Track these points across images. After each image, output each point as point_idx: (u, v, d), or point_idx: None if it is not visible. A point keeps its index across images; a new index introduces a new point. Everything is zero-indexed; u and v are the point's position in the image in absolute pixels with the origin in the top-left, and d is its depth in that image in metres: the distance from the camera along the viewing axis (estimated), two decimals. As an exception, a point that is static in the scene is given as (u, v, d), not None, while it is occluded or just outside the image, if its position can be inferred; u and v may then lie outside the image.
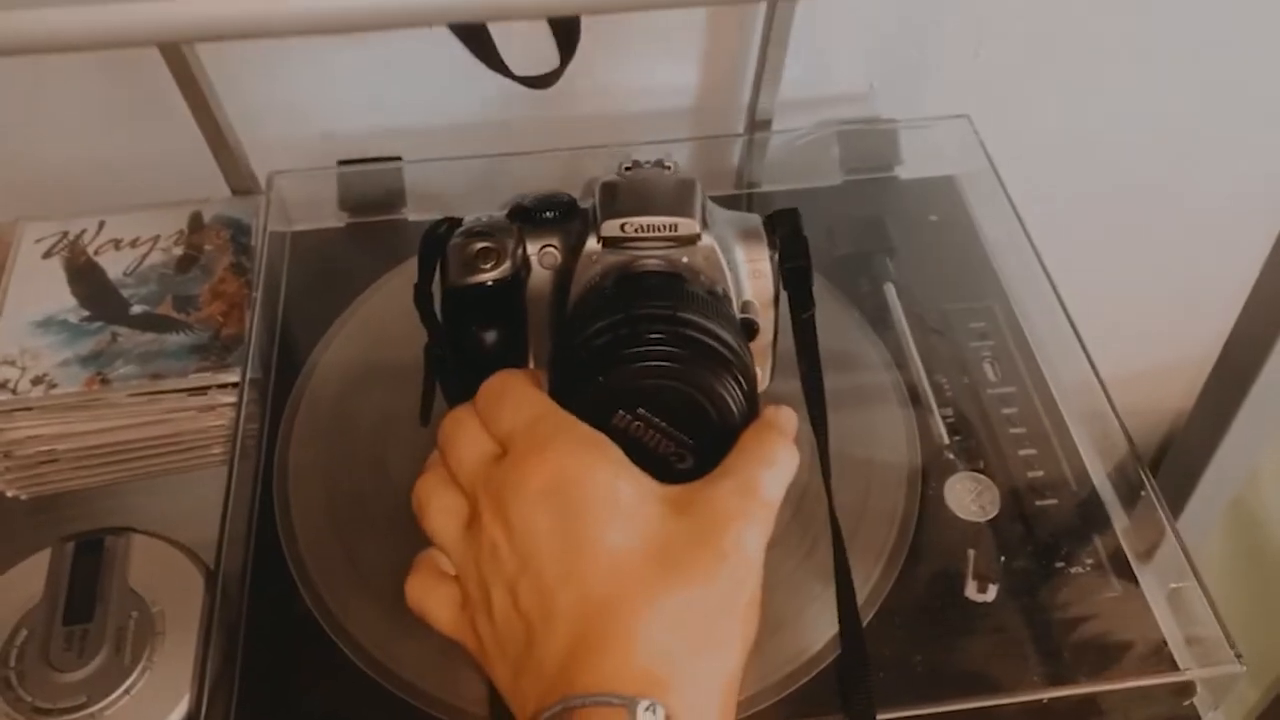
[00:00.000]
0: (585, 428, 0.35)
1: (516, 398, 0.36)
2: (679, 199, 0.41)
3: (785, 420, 0.37)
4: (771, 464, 0.35)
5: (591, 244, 0.41)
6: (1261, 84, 0.74)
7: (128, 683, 0.47)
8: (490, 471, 0.35)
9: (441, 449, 0.37)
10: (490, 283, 0.43)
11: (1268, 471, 0.92)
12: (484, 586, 0.34)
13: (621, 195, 0.42)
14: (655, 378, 0.36)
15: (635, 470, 0.35)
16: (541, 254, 0.44)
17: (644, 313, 0.37)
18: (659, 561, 0.33)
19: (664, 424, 0.36)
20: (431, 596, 0.36)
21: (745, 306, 0.43)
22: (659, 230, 0.40)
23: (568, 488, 0.33)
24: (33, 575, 0.51)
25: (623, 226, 0.41)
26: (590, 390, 0.36)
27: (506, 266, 0.43)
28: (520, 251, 0.44)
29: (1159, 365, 0.95)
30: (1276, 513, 0.92)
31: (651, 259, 0.41)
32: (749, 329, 0.42)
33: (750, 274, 0.43)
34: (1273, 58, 0.72)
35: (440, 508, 0.36)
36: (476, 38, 0.51)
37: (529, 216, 0.44)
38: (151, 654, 0.49)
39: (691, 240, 0.41)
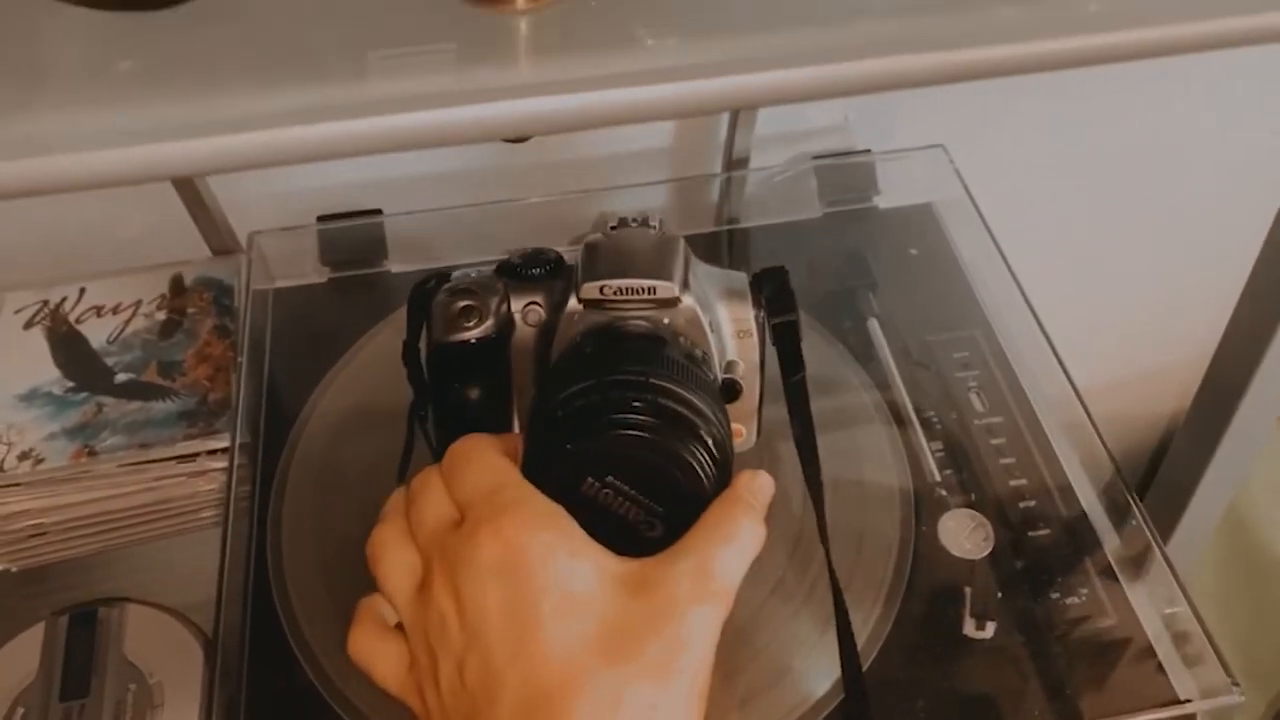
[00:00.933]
0: (543, 501, 0.35)
1: (479, 464, 0.36)
2: (659, 261, 0.41)
3: (755, 492, 0.37)
4: (732, 541, 0.35)
5: (572, 304, 0.42)
6: (1246, 92, 0.75)
7: (129, 759, 0.47)
8: (446, 538, 0.35)
9: (407, 506, 0.37)
10: (473, 340, 0.43)
11: (1260, 479, 0.93)
12: (431, 655, 0.34)
13: (602, 257, 0.42)
14: (624, 447, 0.36)
15: (592, 547, 0.34)
16: (526, 311, 0.44)
17: (616, 379, 0.37)
18: (608, 649, 0.33)
19: (633, 492, 0.36)
20: (378, 654, 0.36)
21: (729, 367, 0.43)
22: (638, 293, 0.41)
23: (519, 566, 0.33)
24: (27, 651, 0.51)
25: (601, 289, 0.41)
26: (559, 457, 0.36)
27: (489, 324, 0.43)
28: (504, 308, 0.44)
29: (1150, 370, 0.96)
30: (1270, 519, 0.92)
31: (632, 320, 0.41)
32: (731, 390, 0.43)
33: (734, 334, 0.43)
34: (1254, 70, 0.73)
35: (395, 561, 0.36)
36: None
37: (515, 273, 0.45)
38: (151, 727, 0.49)
39: (672, 303, 0.41)
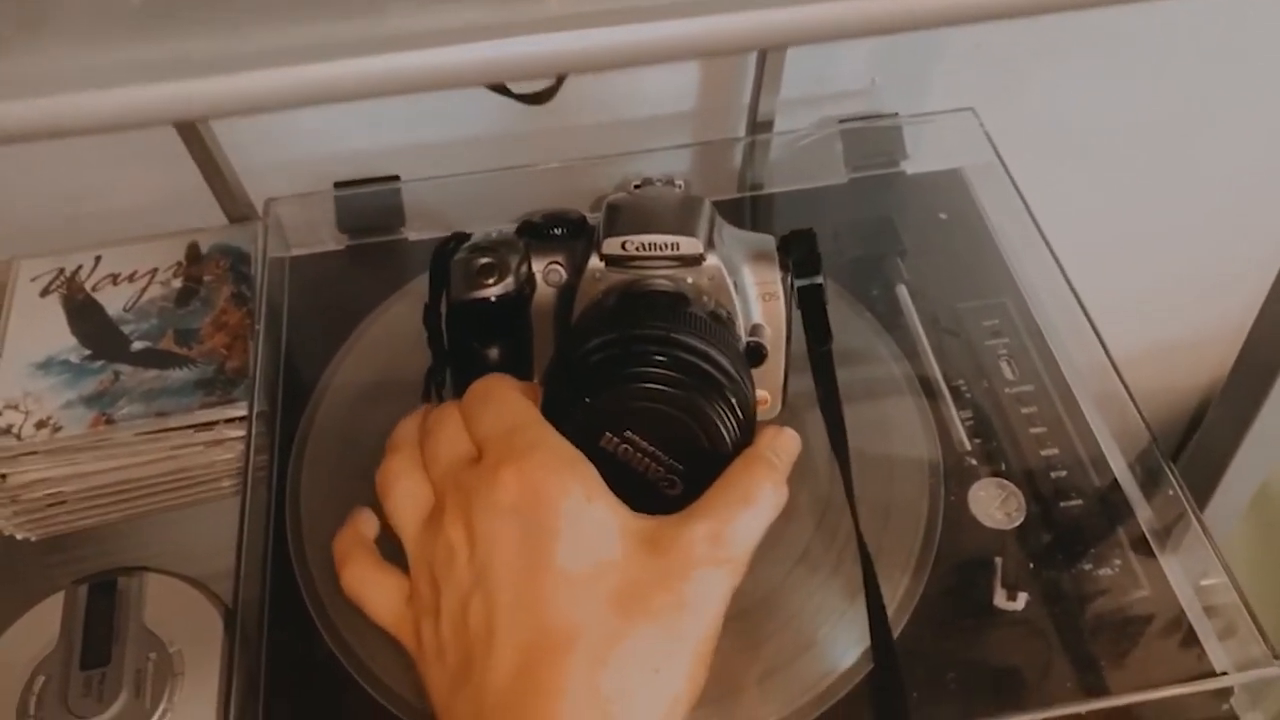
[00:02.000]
0: (566, 445, 0.34)
1: (501, 402, 0.35)
2: (683, 218, 0.40)
3: (778, 450, 0.36)
4: (751, 503, 0.34)
5: (594, 262, 0.41)
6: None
7: (149, 727, 0.47)
8: (462, 473, 0.34)
9: (421, 438, 0.36)
10: (493, 298, 0.42)
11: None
12: (435, 588, 0.33)
13: (625, 214, 0.41)
14: (644, 400, 0.35)
15: (610, 498, 0.33)
16: (547, 271, 0.44)
17: (638, 333, 0.36)
18: (617, 602, 0.32)
19: (652, 448, 0.35)
20: (372, 587, 0.35)
21: (754, 330, 0.42)
22: (661, 249, 0.40)
23: (537, 507, 0.32)
24: (47, 620, 0.51)
25: (624, 245, 0.40)
26: (578, 410, 0.35)
27: (510, 282, 0.42)
28: (525, 268, 0.43)
29: (1186, 340, 0.94)
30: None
31: (656, 279, 0.40)
32: (756, 353, 0.42)
33: (760, 296, 0.42)
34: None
35: (406, 491, 0.35)
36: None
37: (537, 233, 0.44)
38: (172, 695, 0.48)
39: (695, 261, 0.40)
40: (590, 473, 0.33)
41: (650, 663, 0.32)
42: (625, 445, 0.35)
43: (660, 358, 0.35)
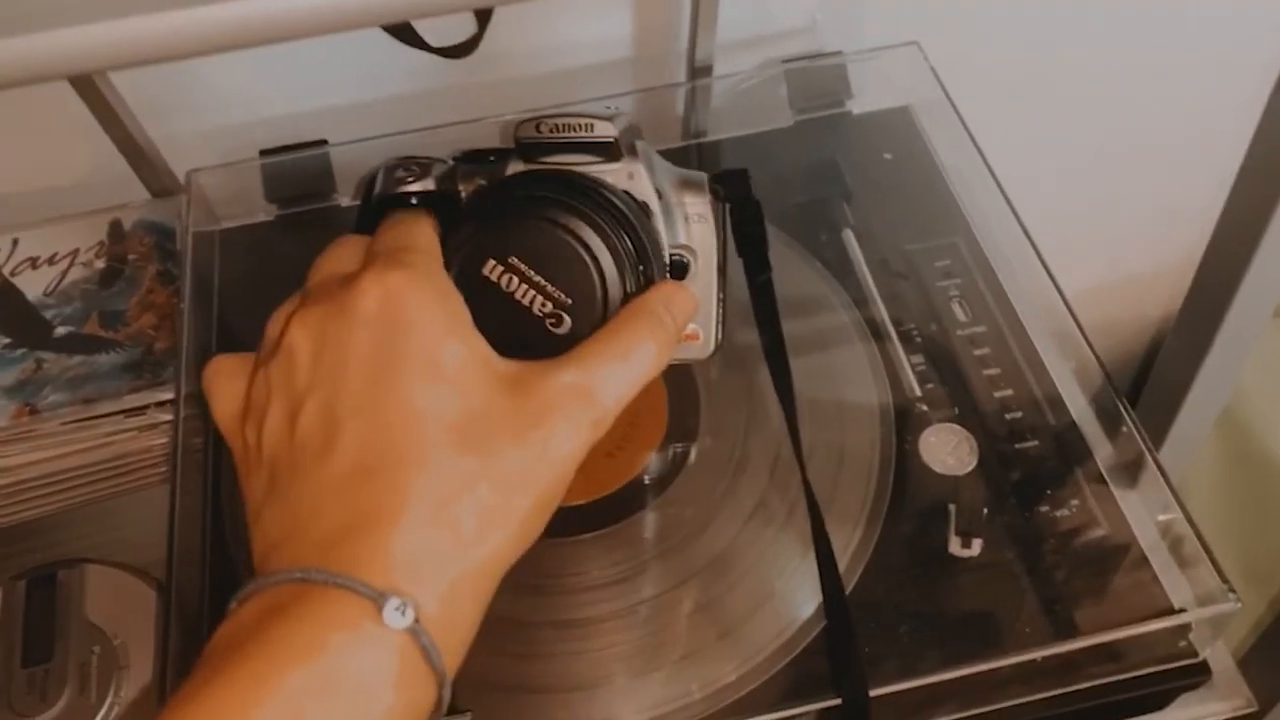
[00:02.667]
0: (445, 279, 0.33)
1: (403, 225, 0.34)
2: (602, 114, 0.38)
3: (670, 306, 0.34)
4: (625, 358, 0.32)
5: (514, 165, 0.38)
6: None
7: (96, 721, 0.46)
8: (332, 282, 0.33)
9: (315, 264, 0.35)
10: (413, 194, 0.40)
11: (1254, 379, 0.91)
12: (267, 391, 0.32)
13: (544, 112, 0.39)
14: (527, 218, 0.34)
15: (475, 336, 0.32)
16: (471, 188, 0.42)
17: (538, 170, 0.35)
18: (461, 435, 0.30)
19: (538, 278, 0.34)
20: (223, 388, 0.33)
21: (679, 249, 0.41)
22: (575, 130, 0.37)
23: (394, 324, 0.31)
24: (-15, 617, 0.49)
25: (538, 125, 0.37)
26: (461, 235, 0.34)
27: (429, 182, 0.40)
28: (450, 182, 0.41)
29: (1139, 274, 0.93)
30: (1267, 420, 0.91)
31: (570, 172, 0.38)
32: (679, 266, 0.40)
33: (686, 217, 0.40)
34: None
35: (280, 313, 0.34)
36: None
37: (467, 157, 0.42)
38: (118, 689, 0.47)
39: (612, 151, 0.37)
40: (460, 309, 0.32)
41: (487, 503, 0.30)
42: (509, 275, 0.34)
43: (555, 186, 0.34)
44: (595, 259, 0.34)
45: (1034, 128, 0.75)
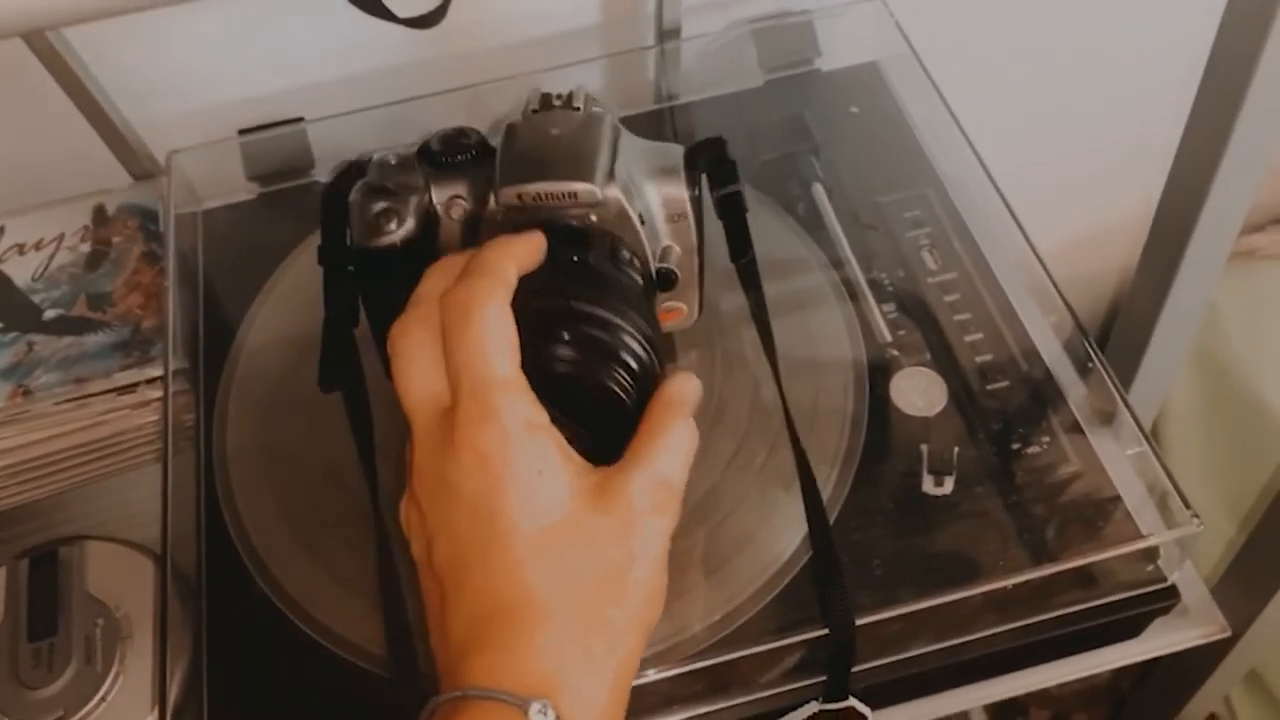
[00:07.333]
0: (530, 405, 0.34)
1: (482, 331, 0.34)
2: (581, 157, 0.39)
3: (684, 395, 0.37)
4: (675, 449, 0.36)
5: (493, 205, 0.40)
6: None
7: (102, 690, 0.47)
8: (430, 408, 0.35)
9: (395, 347, 0.36)
10: (398, 243, 0.41)
11: (1232, 323, 0.93)
12: (406, 524, 0.35)
13: (520, 153, 0.40)
14: (547, 379, 0.35)
15: (563, 458, 0.34)
16: (450, 205, 0.43)
17: (540, 307, 0.36)
18: (571, 577, 0.33)
19: (557, 414, 0.36)
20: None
21: (664, 254, 0.42)
22: (558, 197, 0.39)
23: (496, 465, 0.33)
24: (-10, 596, 0.50)
25: (519, 195, 0.39)
26: None
27: (411, 224, 0.41)
28: (426, 201, 0.42)
29: (1100, 228, 0.95)
30: (1241, 356, 0.92)
31: (556, 216, 0.40)
32: (666, 279, 0.42)
33: (667, 219, 0.42)
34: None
35: (415, 366, 0.35)
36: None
37: (436, 161, 0.43)
38: (123, 659, 0.48)
39: (594, 204, 0.39)
40: (545, 439, 0.34)
41: (609, 625, 0.33)
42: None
43: (566, 335, 0.36)
44: (607, 397, 0.36)
45: (999, 77, 0.76)
